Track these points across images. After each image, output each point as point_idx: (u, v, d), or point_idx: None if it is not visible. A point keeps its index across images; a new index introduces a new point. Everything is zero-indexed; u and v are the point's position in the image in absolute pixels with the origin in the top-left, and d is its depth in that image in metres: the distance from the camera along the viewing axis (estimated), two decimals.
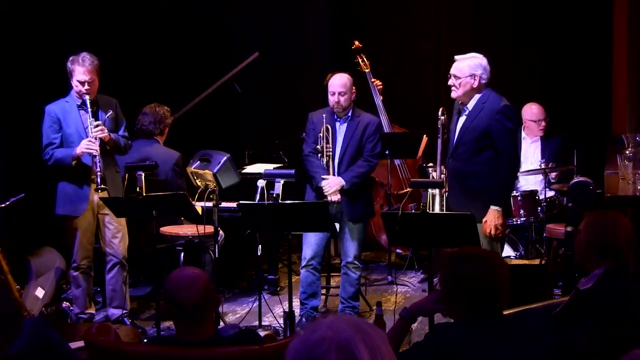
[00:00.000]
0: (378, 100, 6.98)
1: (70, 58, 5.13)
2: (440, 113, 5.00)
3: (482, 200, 4.65)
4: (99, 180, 4.99)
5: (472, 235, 3.97)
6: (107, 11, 6.80)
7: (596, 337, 2.96)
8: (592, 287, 3.17)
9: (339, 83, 5.35)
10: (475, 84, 4.68)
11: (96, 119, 5.15)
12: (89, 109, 5.09)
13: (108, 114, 5.26)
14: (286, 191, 4.83)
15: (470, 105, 4.73)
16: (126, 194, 5.26)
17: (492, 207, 4.62)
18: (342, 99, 5.34)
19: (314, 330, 1.64)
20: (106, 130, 5.14)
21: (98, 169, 5.01)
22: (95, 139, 5.06)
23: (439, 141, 4.99)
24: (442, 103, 7.88)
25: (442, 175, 4.97)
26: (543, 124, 6.61)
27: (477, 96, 4.72)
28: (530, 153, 6.66)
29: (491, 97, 4.70)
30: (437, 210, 5.07)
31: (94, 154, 5.03)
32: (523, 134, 6.66)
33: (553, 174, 6.42)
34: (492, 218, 4.62)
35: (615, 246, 3.17)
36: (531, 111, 6.63)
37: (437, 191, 4.95)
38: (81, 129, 5.17)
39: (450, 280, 2.73)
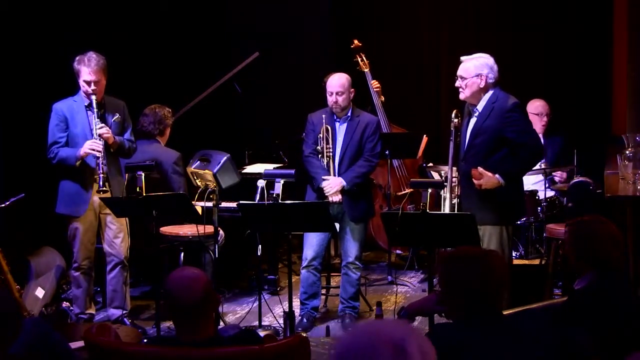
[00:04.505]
0: (377, 100, 6.98)
1: (77, 58, 5.10)
2: (453, 115, 4.85)
3: (495, 202, 4.57)
4: (100, 183, 4.97)
5: (472, 235, 3.97)
6: (109, 11, 6.80)
7: (592, 336, 2.96)
8: (585, 288, 3.18)
9: (337, 83, 5.34)
10: (482, 84, 4.63)
11: (102, 122, 5.13)
12: (95, 111, 5.07)
13: (114, 118, 5.26)
14: (286, 191, 4.82)
15: (480, 106, 4.67)
16: (126, 194, 5.25)
17: (497, 175, 4.53)
18: (340, 99, 5.34)
19: (367, 327, 1.64)
20: (110, 132, 5.13)
21: (101, 171, 4.99)
22: (99, 140, 5.06)
23: (451, 144, 4.89)
24: (442, 103, 7.94)
25: (454, 179, 4.91)
26: (545, 119, 6.57)
27: (485, 96, 4.66)
28: None
29: (500, 97, 4.64)
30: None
31: (97, 155, 5.03)
32: None
33: (558, 176, 6.39)
34: (486, 181, 4.54)
35: (599, 257, 3.16)
36: (535, 105, 6.60)
37: (447, 194, 4.89)
38: (87, 129, 5.15)
39: (448, 280, 2.73)
